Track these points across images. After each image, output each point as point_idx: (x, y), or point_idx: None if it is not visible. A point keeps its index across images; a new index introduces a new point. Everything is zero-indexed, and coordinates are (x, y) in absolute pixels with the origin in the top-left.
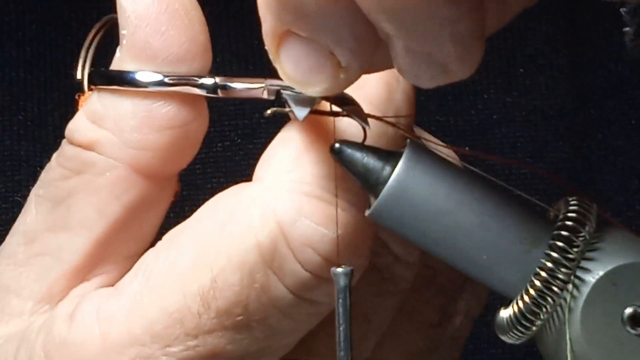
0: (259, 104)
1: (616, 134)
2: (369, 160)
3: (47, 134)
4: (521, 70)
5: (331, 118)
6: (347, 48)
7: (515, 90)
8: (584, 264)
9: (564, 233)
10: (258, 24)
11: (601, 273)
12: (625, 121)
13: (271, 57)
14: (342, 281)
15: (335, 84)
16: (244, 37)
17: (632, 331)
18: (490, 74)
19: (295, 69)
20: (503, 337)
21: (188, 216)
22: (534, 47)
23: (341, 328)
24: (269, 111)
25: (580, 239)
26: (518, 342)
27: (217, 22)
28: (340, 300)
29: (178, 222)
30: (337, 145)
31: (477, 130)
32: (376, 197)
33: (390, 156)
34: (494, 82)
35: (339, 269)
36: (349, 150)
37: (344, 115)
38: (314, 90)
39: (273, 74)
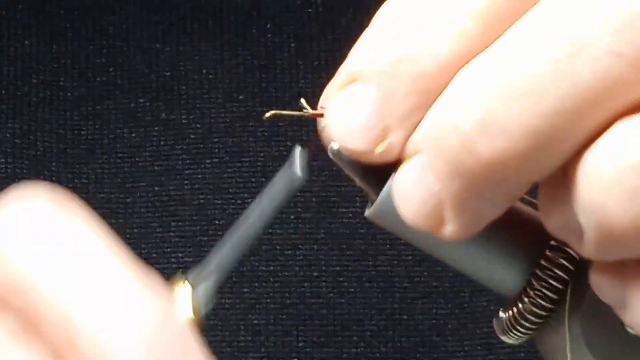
0: (249, 122)
1: None
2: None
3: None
4: None
5: None
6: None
7: None
8: (584, 264)
9: None
10: (252, 40)
11: None
12: None
13: (328, 89)
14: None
15: (366, 151)
16: (236, 54)
17: (632, 331)
18: None
19: (340, 117)
20: (503, 338)
21: (174, 231)
22: None
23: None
24: (267, 114)
25: None
26: (518, 342)
27: (211, 36)
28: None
29: (164, 237)
30: (336, 146)
31: None
32: (376, 197)
33: None
34: None
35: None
36: None
37: None
38: (342, 145)
39: (265, 90)
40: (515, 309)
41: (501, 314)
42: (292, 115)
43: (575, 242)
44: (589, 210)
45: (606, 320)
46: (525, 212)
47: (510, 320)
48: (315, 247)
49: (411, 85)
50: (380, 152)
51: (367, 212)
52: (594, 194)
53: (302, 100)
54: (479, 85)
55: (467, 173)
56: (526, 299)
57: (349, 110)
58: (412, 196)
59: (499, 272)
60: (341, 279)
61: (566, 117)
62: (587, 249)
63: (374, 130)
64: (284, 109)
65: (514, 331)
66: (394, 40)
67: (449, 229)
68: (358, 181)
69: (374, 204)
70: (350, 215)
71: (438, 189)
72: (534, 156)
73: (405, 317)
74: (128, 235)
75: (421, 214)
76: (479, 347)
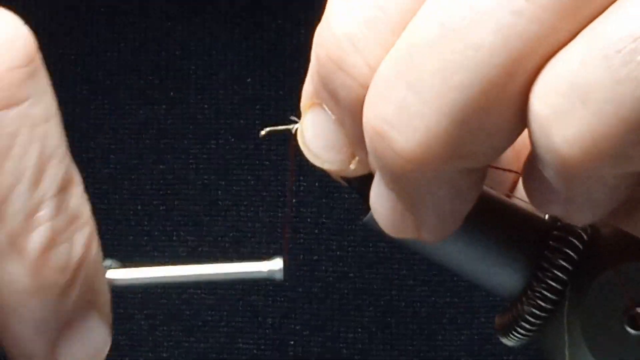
0: (256, 105)
1: None
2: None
3: None
4: None
5: None
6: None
7: None
8: (583, 264)
9: (562, 234)
10: (263, 24)
11: (601, 273)
12: None
13: (301, 109)
14: None
15: (342, 168)
16: (246, 37)
17: (632, 331)
18: None
19: (312, 138)
20: (503, 340)
21: (177, 210)
22: None
23: None
24: (263, 132)
25: (579, 239)
26: (519, 344)
27: (222, 18)
28: None
29: (167, 215)
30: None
31: None
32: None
33: None
34: None
35: None
36: None
37: None
38: (318, 163)
39: (273, 74)
40: (514, 311)
41: (501, 317)
42: (285, 130)
43: (559, 207)
44: (544, 155)
45: (606, 320)
46: (523, 215)
47: (510, 323)
48: (316, 231)
49: (353, 110)
50: (354, 168)
51: (364, 219)
52: (541, 138)
53: (294, 118)
54: (385, 80)
55: (399, 170)
56: (525, 301)
57: (318, 132)
58: (383, 209)
59: (497, 275)
60: (341, 263)
61: (480, 88)
62: (566, 207)
63: (343, 149)
64: (277, 125)
65: (514, 333)
66: (326, 71)
67: (425, 233)
68: (355, 191)
69: (367, 216)
70: (352, 200)
71: (394, 195)
72: (451, 139)
73: (403, 304)
74: (131, 212)
75: (395, 224)
76: (476, 337)
